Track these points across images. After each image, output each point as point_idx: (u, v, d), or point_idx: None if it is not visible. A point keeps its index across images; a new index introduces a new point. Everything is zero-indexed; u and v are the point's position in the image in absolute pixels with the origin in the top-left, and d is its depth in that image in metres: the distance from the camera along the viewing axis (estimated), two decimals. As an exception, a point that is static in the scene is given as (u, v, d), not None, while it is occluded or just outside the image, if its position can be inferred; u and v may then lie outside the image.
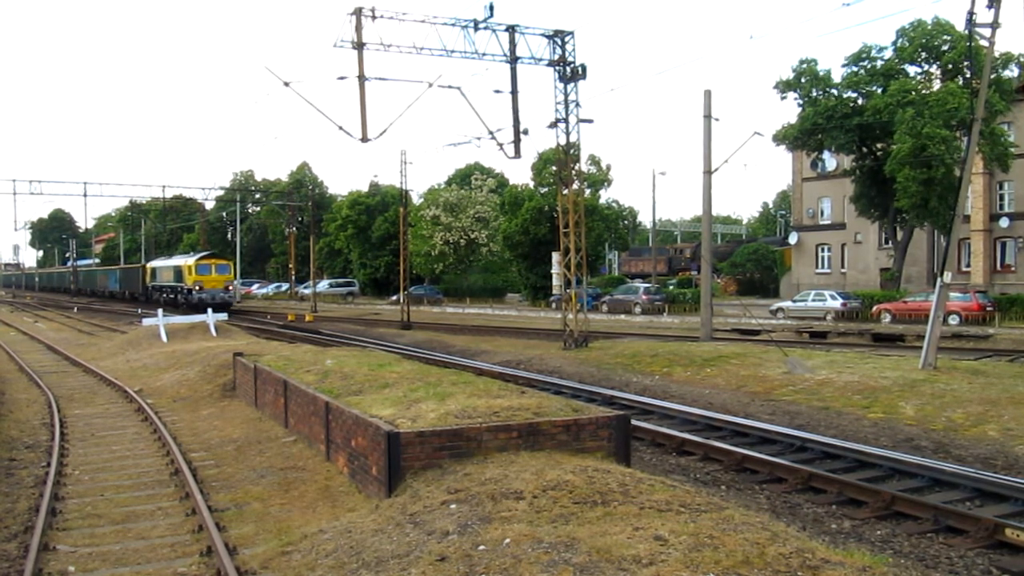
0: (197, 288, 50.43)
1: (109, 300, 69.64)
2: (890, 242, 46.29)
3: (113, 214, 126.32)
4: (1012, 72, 38.76)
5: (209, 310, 31.77)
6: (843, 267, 54.97)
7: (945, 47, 38.28)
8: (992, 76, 29.11)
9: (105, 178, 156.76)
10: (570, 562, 5.40)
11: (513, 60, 23.21)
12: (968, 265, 45.79)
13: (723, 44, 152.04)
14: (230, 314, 38.36)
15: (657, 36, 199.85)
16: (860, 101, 39.90)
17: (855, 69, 40.39)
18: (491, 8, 22.22)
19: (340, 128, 21.30)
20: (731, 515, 6.35)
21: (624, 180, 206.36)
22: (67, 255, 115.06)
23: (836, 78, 40.80)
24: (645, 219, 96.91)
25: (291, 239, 71.52)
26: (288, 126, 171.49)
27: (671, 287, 56.29)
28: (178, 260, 58.11)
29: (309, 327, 41.13)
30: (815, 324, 35.41)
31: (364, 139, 21.08)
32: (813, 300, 39.69)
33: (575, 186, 25.85)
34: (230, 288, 53.83)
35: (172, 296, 53.95)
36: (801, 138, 41.43)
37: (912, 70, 39.70)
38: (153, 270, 61.10)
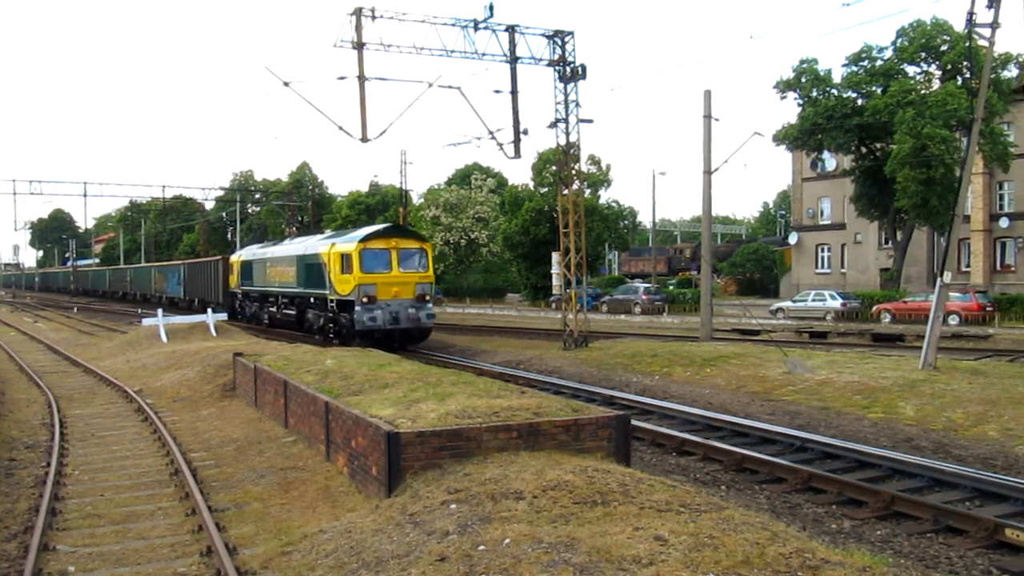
0: (364, 300, 24.54)
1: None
2: (890, 242, 46.31)
3: (113, 214, 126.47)
4: (1011, 72, 38.82)
5: (209, 310, 30.62)
6: (843, 267, 54.97)
7: (945, 47, 38.33)
8: (992, 76, 29.08)
9: (105, 178, 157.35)
10: (570, 562, 5.39)
11: (513, 60, 23.23)
12: (968, 265, 45.78)
13: (723, 44, 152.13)
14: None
15: (657, 36, 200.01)
16: (860, 101, 39.93)
17: (855, 69, 40.42)
18: (491, 8, 22.26)
19: (340, 128, 21.35)
20: (731, 515, 6.35)
21: (624, 180, 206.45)
22: (67, 255, 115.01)
23: (836, 78, 40.89)
24: (645, 219, 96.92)
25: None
26: (288, 126, 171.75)
27: (671, 287, 56.35)
28: (311, 243, 29.61)
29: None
30: (815, 324, 35.39)
31: (364, 139, 21.11)
32: (813, 300, 39.70)
33: (575, 186, 25.84)
34: (427, 298, 25.90)
35: (292, 315, 29.83)
36: (801, 138, 41.46)
37: (912, 70, 39.73)
38: (246, 266, 35.25)
